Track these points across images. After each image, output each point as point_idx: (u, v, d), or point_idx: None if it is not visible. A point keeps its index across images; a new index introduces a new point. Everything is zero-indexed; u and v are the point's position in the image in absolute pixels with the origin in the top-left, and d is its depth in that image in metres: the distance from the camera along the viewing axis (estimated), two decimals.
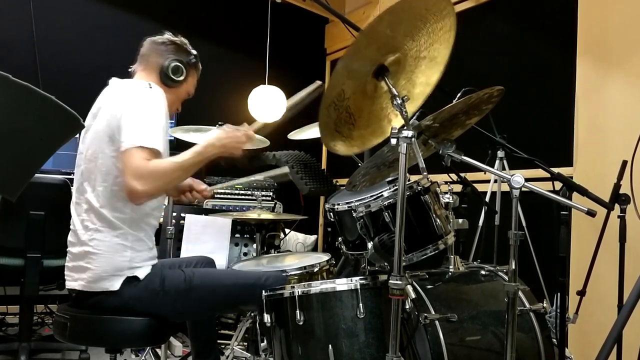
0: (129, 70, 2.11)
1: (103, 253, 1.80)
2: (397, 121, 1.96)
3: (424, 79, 1.91)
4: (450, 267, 2.12)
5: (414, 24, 1.67)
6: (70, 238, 1.91)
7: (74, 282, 1.86)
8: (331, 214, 2.08)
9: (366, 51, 1.67)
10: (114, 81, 2.01)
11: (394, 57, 1.74)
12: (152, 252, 1.91)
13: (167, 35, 2.09)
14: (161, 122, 1.81)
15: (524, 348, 1.93)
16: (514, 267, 1.68)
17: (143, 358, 3.01)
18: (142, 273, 1.83)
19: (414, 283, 1.91)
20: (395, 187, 1.91)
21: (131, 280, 1.81)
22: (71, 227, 1.91)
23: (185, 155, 1.84)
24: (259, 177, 2.26)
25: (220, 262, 3.10)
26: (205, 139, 1.92)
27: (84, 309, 1.86)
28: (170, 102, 2.01)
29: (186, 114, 2.44)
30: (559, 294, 2.18)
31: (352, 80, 1.72)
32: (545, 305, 2.01)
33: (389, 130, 1.94)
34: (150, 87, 1.89)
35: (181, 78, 2.04)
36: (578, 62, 3.07)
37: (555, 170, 2.08)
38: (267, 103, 4.21)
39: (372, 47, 1.66)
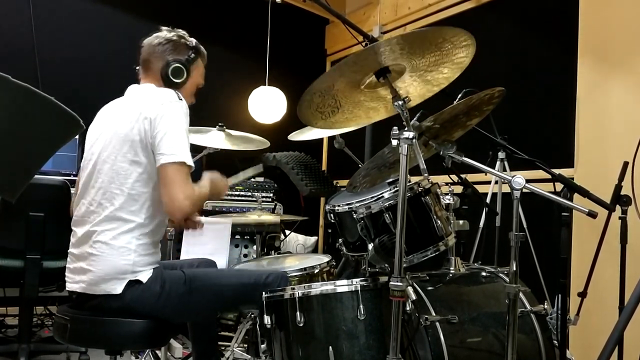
0: (136, 68, 2.09)
1: (106, 256, 1.78)
2: (384, 112, 1.97)
3: (418, 92, 1.93)
4: (451, 268, 2.12)
5: (428, 48, 1.67)
6: (72, 239, 1.90)
7: (74, 284, 1.85)
8: (331, 215, 2.07)
9: (368, 60, 1.67)
10: (138, 87, 2.01)
11: (399, 66, 1.74)
12: (154, 257, 1.90)
13: (164, 33, 2.05)
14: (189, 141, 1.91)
15: (525, 349, 1.93)
16: (514, 268, 1.68)
17: None
18: (144, 276, 1.82)
19: (415, 284, 1.91)
20: (395, 189, 1.91)
21: (133, 283, 1.80)
22: (74, 228, 1.90)
23: (205, 190, 1.95)
24: (236, 180, 2.30)
25: (221, 263, 3.09)
26: (208, 178, 2.01)
27: (84, 310, 1.85)
28: None
29: None
30: (560, 295, 2.18)
31: (346, 76, 1.72)
32: (546, 306, 2.00)
33: (372, 118, 1.99)
34: (181, 99, 1.89)
35: (183, 78, 2.02)
36: (579, 63, 3.07)
37: (556, 171, 2.07)
38: (268, 104, 4.24)
39: (376, 57, 1.66)
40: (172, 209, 1.80)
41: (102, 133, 1.91)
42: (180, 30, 2.10)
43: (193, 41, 2.09)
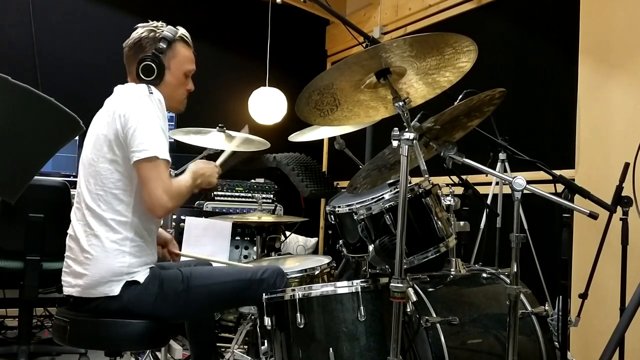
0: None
1: (101, 258, 1.78)
2: (383, 111, 1.98)
3: (420, 93, 1.93)
4: (452, 269, 2.11)
5: (429, 52, 1.68)
6: (68, 243, 1.89)
7: (70, 288, 1.84)
8: (332, 216, 2.07)
9: (368, 61, 1.67)
10: (122, 86, 1.98)
11: (400, 68, 1.75)
12: (151, 258, 1.90)
13: (137, 31, 1.98)
14: (166, 133, 1.84)
15: (526, 351, 1.92)
16: (515, 269, 1.68)
17: None
18: (141, 277, 1.81)
19: (415, 286, 1.90)
20: (396, 190, 1.90)
21: (130, 284, 1.80)
22: (69, 232, 1.90)
23: (187, 182, 1.89)
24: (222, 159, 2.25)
25: None
26: (190, 169, 1.95)
27: (83, 312, 1.84)
28: (167, 96, 1.94)
29: (186, 116, 2.42)
30: (560, 296, 2.18)
31: (346, 76, 1.72)
32: (547, 308, 2.00)
33: (372, 117, 2.00)
34: (151, 93, 1.84)
35: (154, 74, 1.93)
36: (580, 63, 3.07)
37: (557, 172, 2.07)
38: (268, 105, 4.24)
39: (377, 59, 1.66)
40: (152, 206, 1.77)
41: (90, 135, 1.92)
42: (156, 22, 2.01)
43: (165, 30, 1.98)
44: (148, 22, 2.03)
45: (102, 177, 1.82)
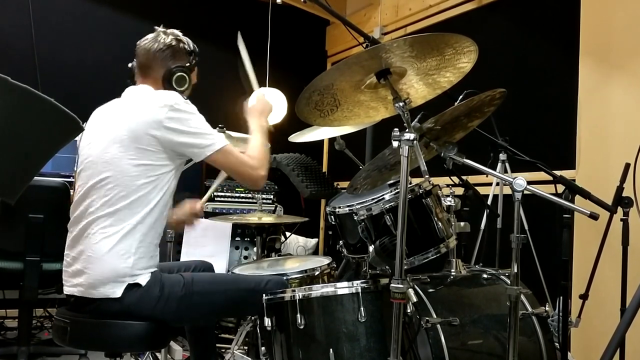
0: (129, 65, 2.07)
1: (104, 258, 1.76)
2: (383, 112, 1.99)
3: (421, 93, 1.93)
4: (452, 270, 2.11)
5: (429, 52, 1.68)
6: (69, 241, 1.88)
7: (72, 287, 1.83)
8: (332, 217, 2.07)
9: (369, 61, 1.67)
10: (137, 89, 2.00)
11: (400, 68, 1.74)
12: (154, 260, 1.89)
13: (162, 37, 2.02)
14: None
15: (526, 352, 1.92)
16: (516, 270, 1.68)
17: None
18: (143, 280, 1.80)
19: (416, 287, 1.90)
20: (396, 190, 1.90)
21: (132, 287, 1.78)
22: (71, 229, 1.89)
23: (259, 140, 2.09)
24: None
25: (221, 265, 3.09)
26: (252, 116, 2.23)
27: (83, 313, 1.84)
28: None
29: None
30: (561, 297, 2.17)
31: (347, 76, 1.72)
32: (547, 308, 1.99)
33: (372, 117, 2.02)
34: (187, 100, 1.94)
35: (186, 85, 2.05)
36: (580, 64, 3.06)
37: (558, 173, 2.07)
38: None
39: (377, 59, 1.66)
40: (252, 183, 1.96)
41: (102, 134, 1.89)
42: (175, 31, 2.08)
43: (190, 44, 2.08)
44: (160, 25, 2.10)
45: (126, 179, 1.81)
